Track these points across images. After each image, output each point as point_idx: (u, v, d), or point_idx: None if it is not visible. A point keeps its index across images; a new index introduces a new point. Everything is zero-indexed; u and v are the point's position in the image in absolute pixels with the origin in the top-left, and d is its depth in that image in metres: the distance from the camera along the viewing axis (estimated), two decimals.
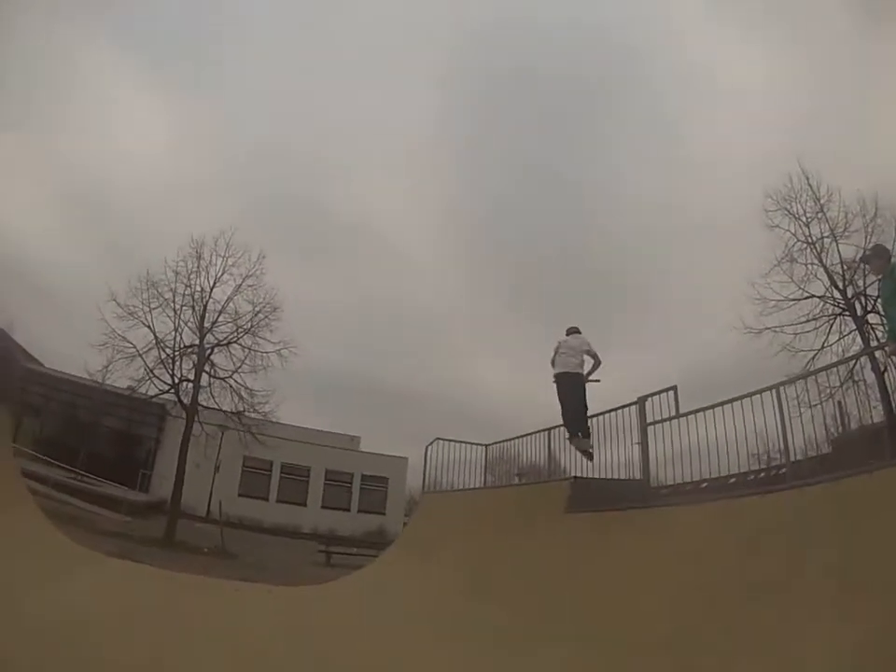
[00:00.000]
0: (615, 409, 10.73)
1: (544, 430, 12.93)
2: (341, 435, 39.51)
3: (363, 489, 37.46)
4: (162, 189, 52.40)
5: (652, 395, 10.06)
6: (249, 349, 24.38)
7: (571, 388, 10.48)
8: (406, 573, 12.35)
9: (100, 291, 22.95)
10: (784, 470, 7.91)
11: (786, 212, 21.90)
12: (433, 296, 67.44)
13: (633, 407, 10.43)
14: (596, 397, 10.86)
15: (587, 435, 10.54)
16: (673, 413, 9.64)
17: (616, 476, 10.58)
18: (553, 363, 10.88)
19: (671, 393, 9.75)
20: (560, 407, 10.69)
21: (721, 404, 8.65)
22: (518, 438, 14.18)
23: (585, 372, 10.60)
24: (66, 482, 26.31)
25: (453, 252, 70.80)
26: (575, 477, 10.82)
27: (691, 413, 9.29)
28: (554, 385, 10.70)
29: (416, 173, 68.09)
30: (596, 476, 10.77)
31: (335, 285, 60.14)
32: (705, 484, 9.18)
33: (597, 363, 10.67)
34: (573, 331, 11.03)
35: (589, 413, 10.73)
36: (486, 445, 15.41)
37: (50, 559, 10.37)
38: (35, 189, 45.94)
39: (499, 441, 15.22)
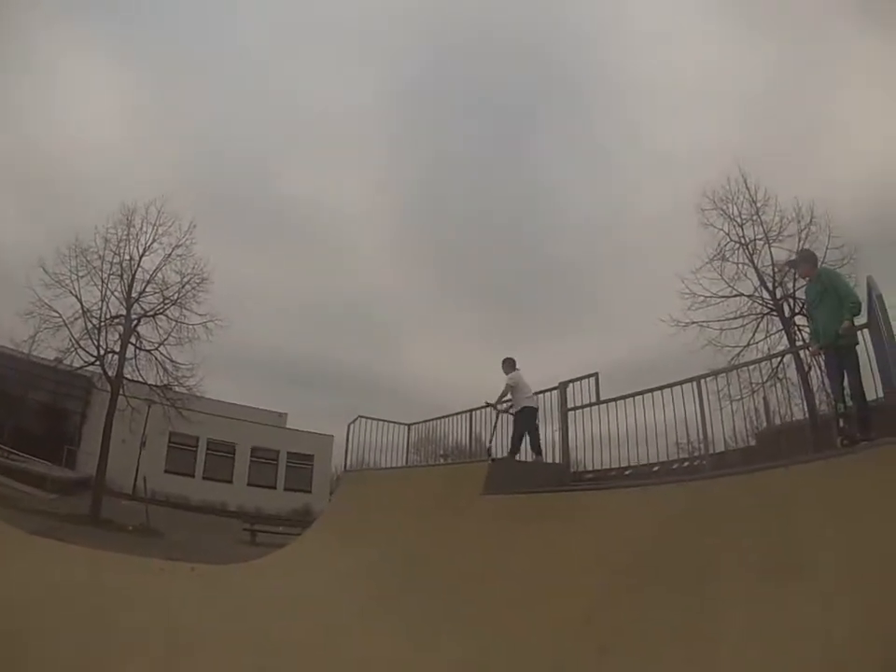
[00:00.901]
0: (539, 392, 11.43)
1: (467, 412, 13.41)
2: (267, 411, 39.71)
3: (289, 467, 37.54)
4: (99, 159, 51.38)
5: (574, 380, 10.74)
6: (176, 321, 24.33)
7: (532, 418, 11.37)
8: (328, 551, 12.57)
9: (30, 259, 22.72)
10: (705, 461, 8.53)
11: (721, 212, 22.36)
12: (367, 278, 67.32)
13: (555, 392, 11.13)
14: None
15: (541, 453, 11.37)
16: (594, 400, 10.28)
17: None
18: (508, 394, 11.70)
19: (593, 380, 10.42)
20: (515, 431, 11.52)
21: (642, 392, 9.32)
22: (441, 418, 14.65)
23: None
24: None
25: (388, 237, 72.34)
26: (493, 459, 11.24)
27: (611, 399, 9.94)
28: (510, 415, 11.78)
29: (359, 160, 68.05)
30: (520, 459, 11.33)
31: (264, 262, 59.70)
32: (629, 471, 9.79)
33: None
34: (511, 364, 11.89)
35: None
36: (409, 425, 15.74)
37: None
38: None
39: (422, 421, 15.60)
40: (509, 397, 11.71)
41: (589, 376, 10.52)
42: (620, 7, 58.91)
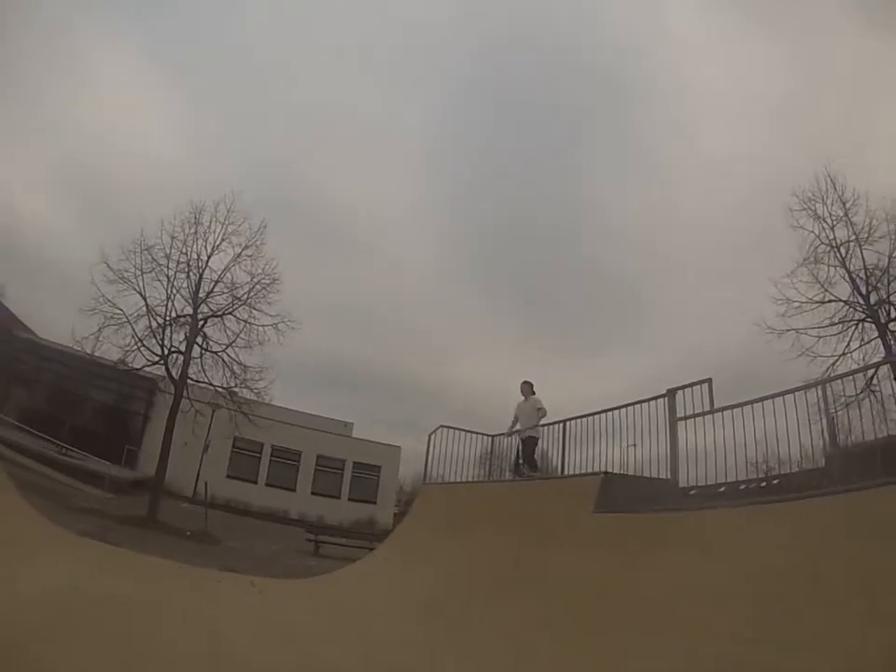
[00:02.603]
0: (643, 401, 9.89)
1: (559, 422, 12.11)
2: (333, 420, 38.50)
3: (355, 477, 36.29)
4: (159, 164, 51.96)
5: (684, 387, 9.24)
6: (245, 322, 23.32)
7: (528, 449, 12.14)
8: (401, 570, 11.41)
9: (93, 257, 21.97)
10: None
11: (811, 213, 21.36)
12: (413, 290, 66.59)
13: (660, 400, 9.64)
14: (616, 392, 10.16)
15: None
16: (705, 409, 8.79)
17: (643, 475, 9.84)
18: (514, 422, 12.87)
19: (704, 387, 8.89)
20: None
21: (761, 399, 7.87)
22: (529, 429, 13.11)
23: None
24: (48, 454, 25.62)
25: (433, 248, 71.43)
26: (606, 472, 9.67)
27: (727, 408, 8.36)
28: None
29: (403, 172, 67.82)
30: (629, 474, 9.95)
31: (326, 271, 59.37)
32: (742, 486, 8.66)
33: (543, 414, 12.18)
34: (528, 388, 12.59)
35: (616, 406, 10.47)
36: (492, 436, 14.58)
37: (14, 537, 9.39)
38: (25, 162, 45.76)
39: (508, 433, 13.96)
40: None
41: (701, 382, 8.99)
42: (659, 15, 57.48)
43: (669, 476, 9.26)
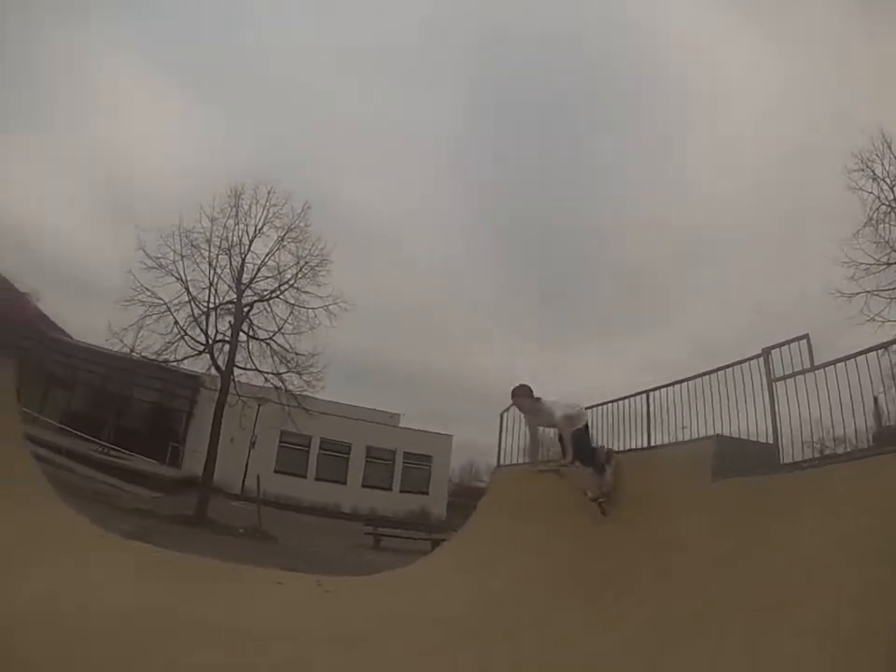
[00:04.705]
0: (737, 363, 8.88)
1: (642, 393, 10.90)
2: (379, 411, 37.43)
3: (406, 467, 35.43)
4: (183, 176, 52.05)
5: (780, 345, 8.31)
6: (294, 305, 22.28)
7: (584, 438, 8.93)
8: (477, 563, 10.32)
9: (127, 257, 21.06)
10: None
11: (870, 174, 20.60)
12: (434, 284, 65.70)
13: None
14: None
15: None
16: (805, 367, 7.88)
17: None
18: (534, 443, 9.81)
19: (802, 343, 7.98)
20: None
21: (855, 355, 7.12)
22: (608, 403, 11.89)
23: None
24: (91, 455, 25.07)
25: (468, 248, 69.17)
26: (718, 435, 8.68)
27: (827, 364, 7.50)
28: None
29: (421, 169, 66.91)
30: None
31: (350, 272, 58.84)
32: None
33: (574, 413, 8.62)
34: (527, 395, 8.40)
35: (708, 369, 9.31)
36: None
37: (55, 541, 8.90)
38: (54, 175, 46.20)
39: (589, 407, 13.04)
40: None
41: (799, 339, 7.87)
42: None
43: (771, 441, 8.33)
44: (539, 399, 8.20)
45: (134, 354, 21.44)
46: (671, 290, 62.34)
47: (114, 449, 27.11)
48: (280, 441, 31.40)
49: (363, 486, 33.86)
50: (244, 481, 27.45)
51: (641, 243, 62.41)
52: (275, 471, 30.57)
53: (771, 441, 8.26)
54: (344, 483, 33.54)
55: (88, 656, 4.83)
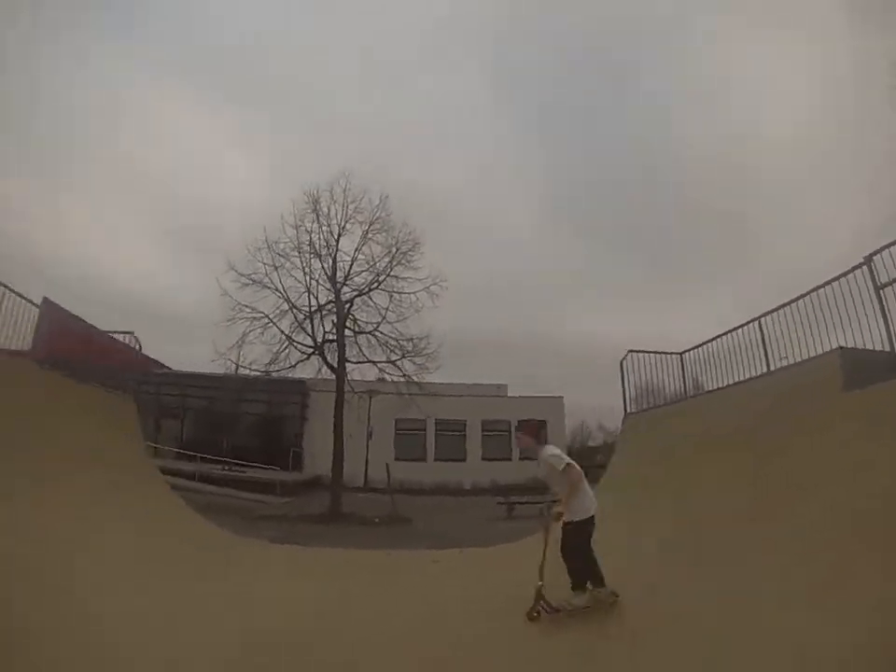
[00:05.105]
0: (836, 278, 8.79)
1: (753, 320, 10.95)
2: (487, 385, 37.50)
3: None
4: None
5: (881, 250, 8.21)
6: (393, 292, 22.31)
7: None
8: (628, 511, 9.79)
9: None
10: None
11: None
12: (516, 252, 65.11)
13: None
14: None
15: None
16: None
17: None
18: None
19: None
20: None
21: None
22: (721, 336, 12.03)
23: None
24: (214, 474, 25.87)
25: (556, 217, 70.30)
26: (841, 347, 8.38)
27: None
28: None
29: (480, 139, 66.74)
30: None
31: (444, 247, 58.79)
32: None
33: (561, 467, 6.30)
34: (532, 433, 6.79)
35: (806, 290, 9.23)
36: (680, 353, 13.62)
37: (213, 555, 9.52)
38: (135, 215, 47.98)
39: (700, 345, 12.91)
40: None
41: None
42: None
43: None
44: (544, 444, 6.54)
45: (243, 369, 21.79)
46: (763, 230, 61.75)
47: (236, 464, 27.87)
48: (396, 430, 31.97)
49: (483, 460, 33.91)
50: (366, 473, 27.96)
51: (725, 182, 61.16)
52: (396, 459, 30.73)
53: (887, 349, 8.01)
54: (464, 459, 33.74)
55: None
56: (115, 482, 10.30)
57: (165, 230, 58.35)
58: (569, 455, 6.29)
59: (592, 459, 43.97)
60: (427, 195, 55.69)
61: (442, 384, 29.02)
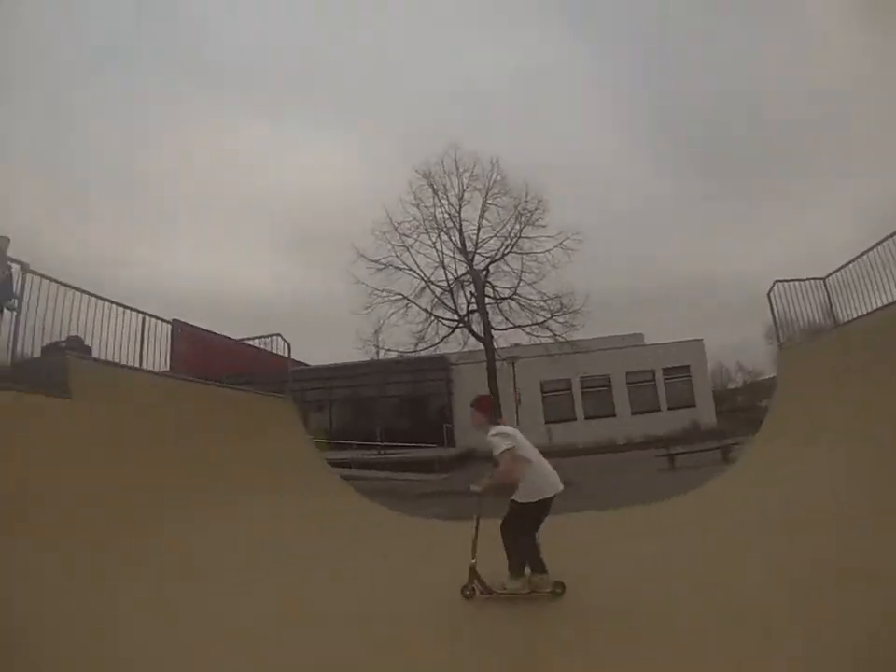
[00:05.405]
0: None
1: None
2: (623, 336, 36.56)
3: (667, 384, 34.31)
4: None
5: None
6: (527, 254, 22.27)
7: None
8: (804, 446, 9.73)
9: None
10: None
11: None
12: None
13: None
14: None
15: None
16: None
17: None
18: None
19: None
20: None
21: None
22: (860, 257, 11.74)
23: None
24: (371, 459, 26.44)
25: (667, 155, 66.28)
26: None
27: None
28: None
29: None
30: None
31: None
32: None
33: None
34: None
35: None
36: (823, 278, 13.31)
37: (392, 538, 9.87)
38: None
39: (847, 263, 12.41)
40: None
41: None
42: None
43: None
44: (496, 423, 6.27)
45: (390, 351, 22.30)
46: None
47: (389, 446, 28.40)
48: (543, 392, 31.79)
49: (632, 414, 33.28)
50: None
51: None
52: (546, 422, 30.79)
53: None
54: (614, 414, 33.15)
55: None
56: (300, 481, 10.80)
57: (282, 236, 60.09)
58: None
59: (733, 402, 42.92)
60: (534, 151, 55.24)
61: (582, 340, 28.94)
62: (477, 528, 6.07)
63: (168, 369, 12.27)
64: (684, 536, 7.72)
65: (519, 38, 63.44)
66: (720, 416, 33.01)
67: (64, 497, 6.97)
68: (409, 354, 22.55)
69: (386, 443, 28.54)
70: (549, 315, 21.62)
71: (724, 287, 63.03)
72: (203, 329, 14.13)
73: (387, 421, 31.14)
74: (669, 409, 33.51)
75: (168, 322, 12.40)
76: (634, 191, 59.17)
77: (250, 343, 15.85)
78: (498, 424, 6.24)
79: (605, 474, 20.12)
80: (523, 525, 5.96)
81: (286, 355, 16.20)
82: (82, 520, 6.78)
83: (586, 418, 32.78)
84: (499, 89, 62.53)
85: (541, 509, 5.92)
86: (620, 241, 60.44)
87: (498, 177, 22.52)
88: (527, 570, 6.02)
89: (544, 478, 5.98)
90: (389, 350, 22.30)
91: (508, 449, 5.85)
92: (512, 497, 5.98)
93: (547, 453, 6.21)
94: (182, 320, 13.14)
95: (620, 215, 54.84)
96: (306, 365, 33.24)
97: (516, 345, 23.72)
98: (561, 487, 6.03)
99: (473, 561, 6.00)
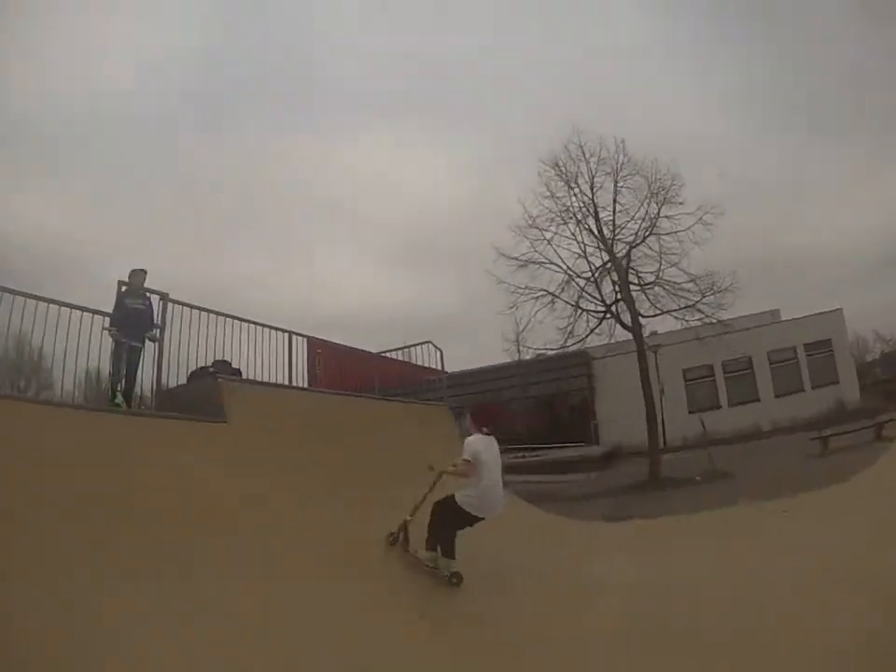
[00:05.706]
0: None
1: None
2: (757, 315, 34.04)
3: (808, 360, 32.54)
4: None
5: None
6: (667, 234, 22.13)
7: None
8: None
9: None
10: None
11: None
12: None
13: None
14: None
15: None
16: None
17: None
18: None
19: None
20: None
21: None
22: None
23: None
24: (518, 462, 25.82)
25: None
26: None
27: None
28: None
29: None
30: None
31: None
32: None
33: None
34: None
35: None
36: None
37: (569, 543, 10.17)
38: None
39: None
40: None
41: None
42: None
43: None
44: (480, 432, 7.36)
45: (538, 350, 22.65)
46: None
47: (536, 448, 28.40)
48: (685, 380, 31.39)
49: (776, 397, 31.84)
50: (663, 433, 26.44)
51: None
52: (689, 412, 29.99)
53: None
54: (758, 399, 31.92)
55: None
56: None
57: (415, 247, 61.31)
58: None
59: (872, 375, 40.16)
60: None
61: (710, 324, 28.39)
62: (425, 496, 7.35)
63: (315, 384, 13.01)
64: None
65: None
66: (862, 391, 31.73)
67: (247, 522, 7.31)
68: (550, 351, 22.72)
69: (532, 445, 28.36)
70: (700, 297, 21.19)
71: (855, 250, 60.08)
72: (345, 346, 14.88)
73: (530, 421, 31.22)
74: (813, 388, 32.02)
75: (316, 339, 13.08)
76: (761, 161, 57.74)
77: (392, 354, 16.64)
78: (482, 433, 7.30)
79: (753, 462, 20.14)
80: (450, 519, 7.03)
81: (435, 365, 16.81)
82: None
83: (730, 405, 31.72)
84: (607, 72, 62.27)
85: (469, 520, 7.00)
86: (747, 212, 59.04)
87: (626, 159, 22.41)
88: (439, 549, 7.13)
89: (485, 500, 6.99)
90: (533, 349, 22.54)
91: (465, 459, 6.99)
92: (455, 495, 7.04)
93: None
94: (322, 338, 13.88)
95: (753, 184, 53.55)
96: (445, 372, 33.79)
97: (654, 333, 23.64)
98: (497, 513, 7.12)
99: (409, 518, 7.50)
